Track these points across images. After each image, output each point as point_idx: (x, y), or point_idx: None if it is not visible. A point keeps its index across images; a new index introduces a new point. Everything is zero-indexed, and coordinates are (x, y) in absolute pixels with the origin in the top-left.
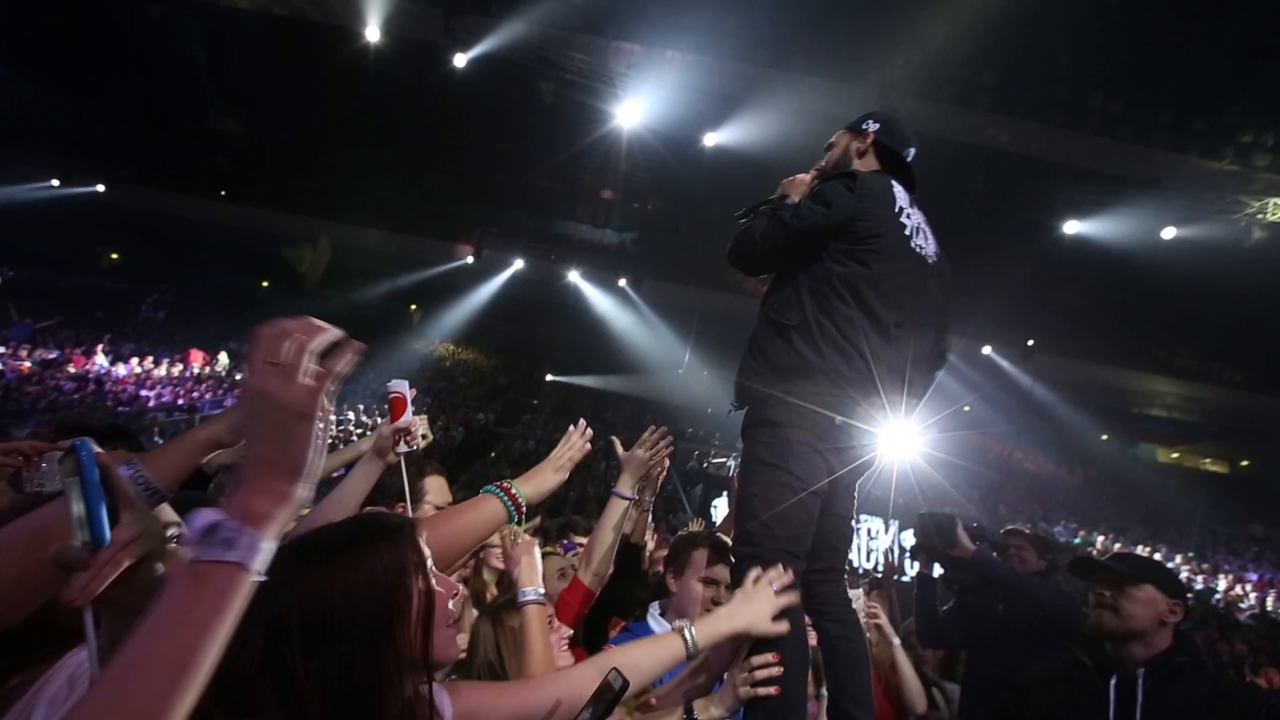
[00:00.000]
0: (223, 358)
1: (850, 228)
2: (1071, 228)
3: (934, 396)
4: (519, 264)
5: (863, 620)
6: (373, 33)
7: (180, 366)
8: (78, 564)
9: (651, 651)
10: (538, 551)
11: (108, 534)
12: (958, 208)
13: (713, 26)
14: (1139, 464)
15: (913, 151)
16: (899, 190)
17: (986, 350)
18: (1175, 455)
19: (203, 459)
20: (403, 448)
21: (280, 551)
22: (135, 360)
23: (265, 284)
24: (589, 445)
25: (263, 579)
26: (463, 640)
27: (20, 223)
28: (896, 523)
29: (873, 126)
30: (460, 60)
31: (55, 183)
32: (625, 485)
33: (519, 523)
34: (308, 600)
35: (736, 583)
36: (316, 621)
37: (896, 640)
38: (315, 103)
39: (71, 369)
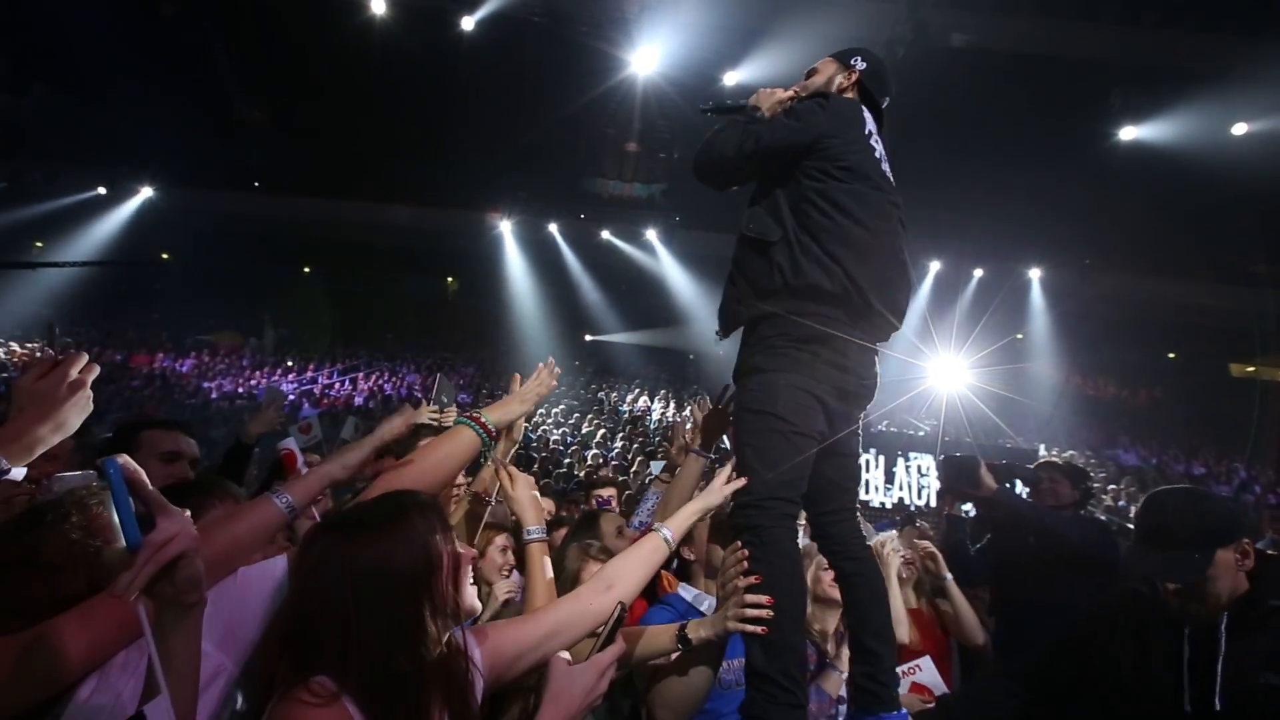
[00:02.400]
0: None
1: (820, 145)
2: (1129, 134)
3: (985, 328)
4: (551, 226)
5: (901, 559)
6: (378, 3)
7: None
8: (121, 564)
9: (639, 557)
10: (534, 489)
11: (139, 538)
12: (1002, 124)
13: None
14: (1209, 380)
15: (888, 101)
16: (868, 115)
17: (1037, 273)
18: (1250, 369)
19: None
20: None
21: (328, 528)
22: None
23: (307, 269)
24: (555, 382)
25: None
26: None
27: (74, 232)
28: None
29: (860, 65)
30: (468, 23)
31: (101, 190)
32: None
33: (489, 446)
34: (358, 562)
35: (736, 528)
36: (368, 575)
37: (948, 575)
38: (333, 84)
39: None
